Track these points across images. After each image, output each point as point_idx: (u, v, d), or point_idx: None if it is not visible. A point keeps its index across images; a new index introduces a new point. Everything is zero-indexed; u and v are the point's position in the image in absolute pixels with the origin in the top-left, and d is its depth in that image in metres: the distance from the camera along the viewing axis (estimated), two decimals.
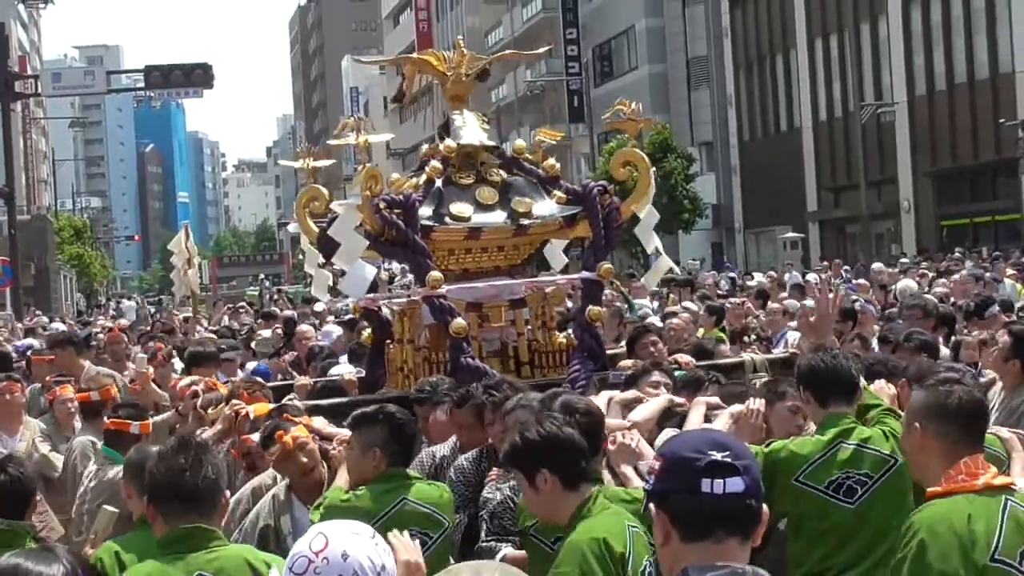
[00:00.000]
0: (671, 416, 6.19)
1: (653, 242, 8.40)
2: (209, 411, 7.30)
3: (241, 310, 22.62)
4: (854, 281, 20.15)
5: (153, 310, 40.03)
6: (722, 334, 12.39)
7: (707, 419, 5.86)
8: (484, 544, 5.67)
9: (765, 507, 2.84)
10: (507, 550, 5.51)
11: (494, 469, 5.99)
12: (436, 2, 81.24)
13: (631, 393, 6.32)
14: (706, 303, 14.74)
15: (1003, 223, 39.54)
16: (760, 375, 7.59)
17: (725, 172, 54.07)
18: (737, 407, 5.87)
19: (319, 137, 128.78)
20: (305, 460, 5.76)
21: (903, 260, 29.62)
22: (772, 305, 14.51)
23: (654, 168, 8.55)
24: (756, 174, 50.80)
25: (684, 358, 7.85)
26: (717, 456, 2.77)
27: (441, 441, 6.65)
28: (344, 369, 9.42)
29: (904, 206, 43.00)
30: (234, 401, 7.01)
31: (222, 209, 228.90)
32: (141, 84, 44.10)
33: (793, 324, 11.60)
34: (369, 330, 8.57)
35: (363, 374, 8.65)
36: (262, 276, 45.07)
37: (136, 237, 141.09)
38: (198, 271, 17.81)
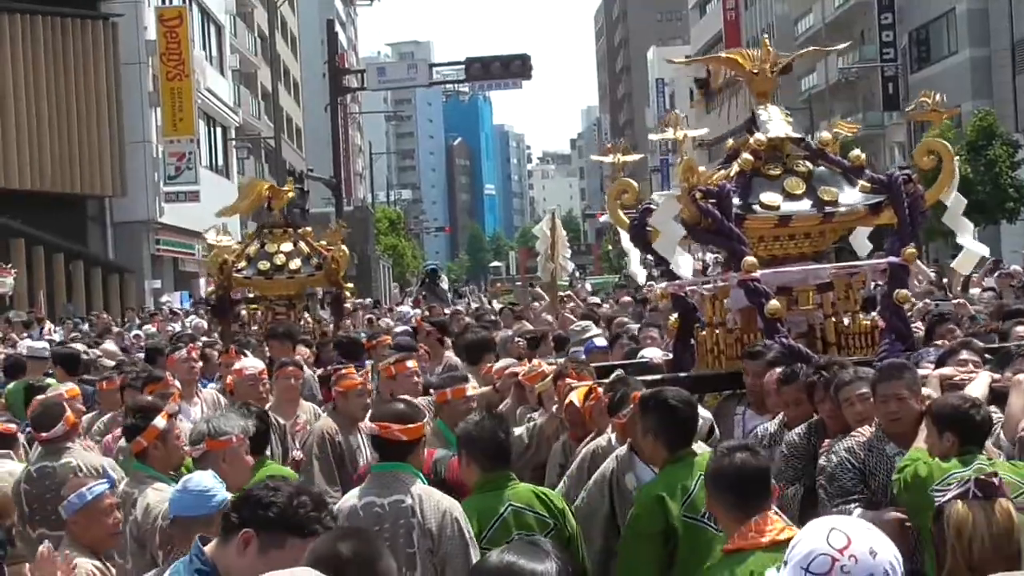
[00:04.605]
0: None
1: (964, 228, 8.58)
2: (537, 387, 7.94)
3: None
4: None
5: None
6: None
7: None
8: (834, 509, 5.77)
9: None
10: (860, 510, 5.68)
11: (826, 441, 6.31)
12: None
13: (948, 370, 6.71)
14: None
15: None
16: None
17: None
18: None
19: (624, 129, 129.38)
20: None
21: None
22: None
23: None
24: None
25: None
26: None
27: (771, 399, 7.10)
28: (653, 352, 9.73)
29: None
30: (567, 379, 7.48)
31: (527, 201, 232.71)
32: (462, 76, 45.10)
33: None
34: (676, 315, 8.94)
35: (670, 357, 8.98)
36: (572, 267, 45.30)
37: (447, 228, 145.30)
38: (564, 259, 17.96)
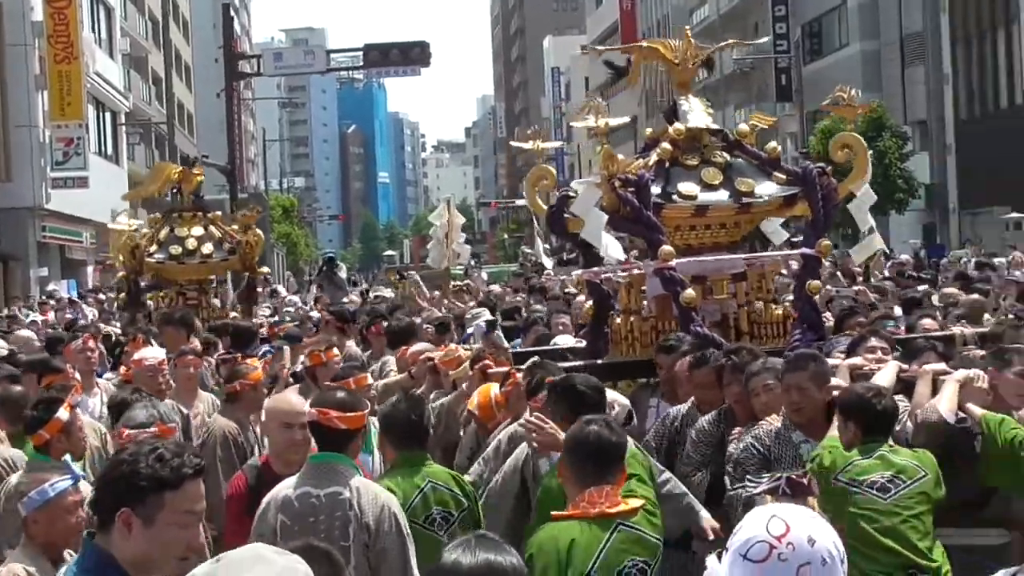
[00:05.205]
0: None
1: (867, 220, 8.84)
2: (451, 373, 8.05)
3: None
4: None
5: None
6: None
7: (935, 386, 6.27)
8: (731, 492, 6.02)
9: None
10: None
11: (736, 428, 6.48)
12: None
13: (857, 359, 6.91)
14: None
15: None
16: (971, 347, 7.90)
17: (939, 151, 52.40)
18: (964, 372, 6.28)
19: (519, 118, 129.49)
20: None
21: None
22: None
23: (869, 151, 8.97)
24: (973, 153, 49.05)
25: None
26: None
27: (683, 389, 7.26)
28: (566, 340, 9.87)
29: None
30: (484, 362, 7.69)
31: (421, 189, 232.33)
32: (360, 63, 44.65)
33: None
34: (590, 302, 9.10)
35: (583, 344, 9.11)
36: (468, 253, 45.31)
37: (341, 217, 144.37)
38: (459, 245, 17.85)
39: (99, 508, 3.72)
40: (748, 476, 5.85)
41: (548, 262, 10.62)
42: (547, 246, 9.54)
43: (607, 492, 4.78)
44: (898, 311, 11.51)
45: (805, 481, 3.89)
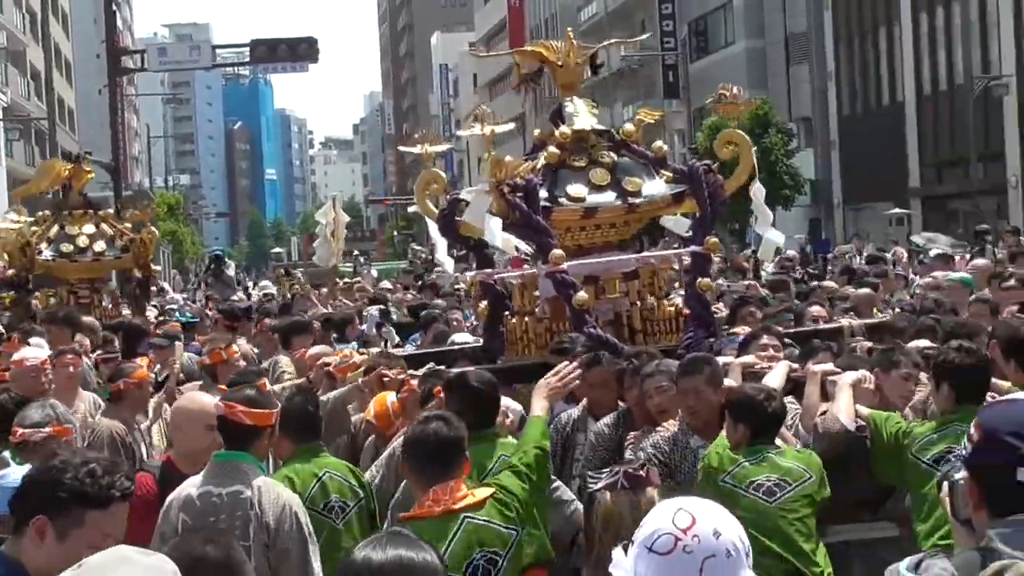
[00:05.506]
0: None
1: (767, 218, 8.99)
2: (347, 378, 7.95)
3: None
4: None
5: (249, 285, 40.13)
6: None
7: (823, 387, 6.43)
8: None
9: None
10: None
11: (632, 433, 6.55)
12: None
13: (749, 358, 7.01)
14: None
15: None
16: (858, 339, 8.13)
17: (824, 148, 53.31)
18: (854, 374, 6.40)
19: (407, 114, 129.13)
20: None
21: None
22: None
23: (755, 148, 9.11)
24: (856, 149, 49.96)
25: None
26: None
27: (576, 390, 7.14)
28: (462, 337, 9.96)
29: (1011, 182, 42.04)
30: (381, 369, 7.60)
31: (309, 186, 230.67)
32: (247, 59, 44.05)
33: None
34: (485, 303, 9.14)
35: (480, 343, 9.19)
36: (356, 253, 45.13)
37: (228, 215, 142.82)
38: (341, 244, 17.72)
39: (19, 509, 3.57)
40: (589, 473, 5.90)
41: (449, 265, 10.62)
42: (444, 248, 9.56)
43: (451, 488, 4.80)
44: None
45: (643, 473, 3.91)
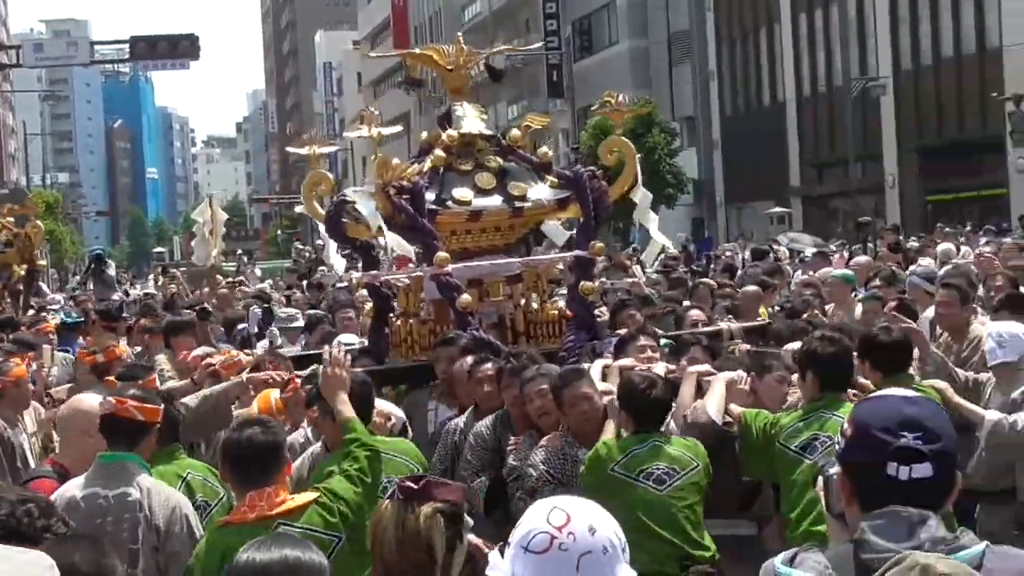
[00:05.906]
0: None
1: (651, 221, 9.16)
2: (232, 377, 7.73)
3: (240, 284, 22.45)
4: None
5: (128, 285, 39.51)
6: None
7: (699, 386, 6.51)
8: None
9: (959, 476, 2.82)
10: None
11: (513, 438, 6.58)
12: None
13: (628, 360, 7.00)
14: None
15: (987, 198, 39.49)
16: (736, 342, 8.29)
17: (706, 147, 53.95)
18: (729, 374, 6.54)
19: (291, 113, 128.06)
20: None
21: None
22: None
23: (638, 154, 9.22)
24: (738, 149, 50.68)
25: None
26: (908, 440, 2.72)
27: (462, 387, 7.30)
28: (350, 338, 9.90)
29: (888, 181, 42.94)
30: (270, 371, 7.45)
31: (191, 185, 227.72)
32: (126, 55, 43.36)
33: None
34: (371, 304, 9.17)
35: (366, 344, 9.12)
36: (239, 252, 44.71)
37: (108, 213, 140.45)
38: (219, 242, 17.49)
39: None
40: (463, 474, 5.87)
41: (340, 265, 10.60)
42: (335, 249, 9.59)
43: (268, 494, 4.76)
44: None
45: (415, 485, 3.67)
